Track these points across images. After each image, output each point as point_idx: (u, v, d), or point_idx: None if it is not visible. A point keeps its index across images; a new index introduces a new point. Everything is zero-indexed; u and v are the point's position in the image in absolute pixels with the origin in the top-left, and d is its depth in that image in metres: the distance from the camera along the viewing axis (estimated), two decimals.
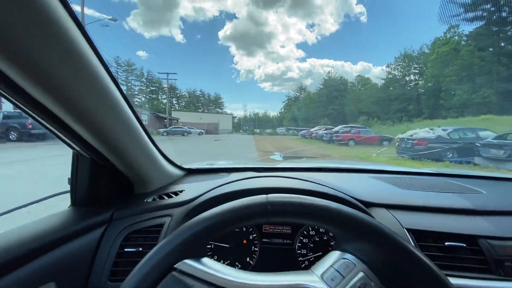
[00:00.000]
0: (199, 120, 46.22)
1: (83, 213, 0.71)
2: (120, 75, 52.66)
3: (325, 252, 0.65)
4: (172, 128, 27.53)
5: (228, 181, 0.89)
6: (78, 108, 0.51)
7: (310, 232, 0.81)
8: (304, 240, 0.80)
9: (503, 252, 0.60)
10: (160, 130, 26.42)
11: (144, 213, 0.75)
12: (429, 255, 0.55)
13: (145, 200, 0.81)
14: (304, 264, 0.77)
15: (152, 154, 0.81)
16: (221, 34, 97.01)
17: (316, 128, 20.18)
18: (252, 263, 0.77)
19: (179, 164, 1.07)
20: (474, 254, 0.61)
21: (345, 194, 0.76)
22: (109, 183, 0.79)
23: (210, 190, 0.83)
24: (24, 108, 0.49)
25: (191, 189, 0.88)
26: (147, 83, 56.87)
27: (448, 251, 0.62)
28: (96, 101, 0.53)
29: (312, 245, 0.79)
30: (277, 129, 40.79)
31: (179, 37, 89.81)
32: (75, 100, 0.49)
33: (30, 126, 10.36)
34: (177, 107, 60.92)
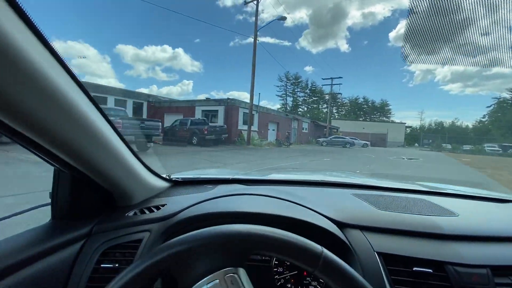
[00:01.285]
0: (362, 130, 41.35)
1: (62, 227, 0.71)
2: (288, 88, 58.65)
3: (300, 270, 0.76)
4: (333, 138, 25.39)
5: (211, 196, 0.88)
6: (47, 131, 0.49)
7: None
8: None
9: (469, 279, 0.59)
10: (320, 139, 25.22)
11: (124, 228, 0.75)
12: (399, 280, 0.59)
13: (126, 214, 0.80)
14: (279, 282, 0.78)
15: (131, 166, 0.78)
16: (392, 35, 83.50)
17: None
18: None
19: (165, 175, 1.05)
20: (441, 281, 0.60)
21: (319, 214, 0.77)
22: (90, 197, 0.78)
23: (192, 205, 0.82)
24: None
25: (173, 203, 0.86)
26: (310, 93, 59.28)
27: (417, 277, 0.61)
28: (68, 123, 0.51)
29: (288, 263, 0.79)
30: (485, 145, 27.87)
31: (344, 47, 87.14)
32: (42, 124, 0.47)
33: (206, 132, 12.74)
34: (337, 116, 58.67)
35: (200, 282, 0.41)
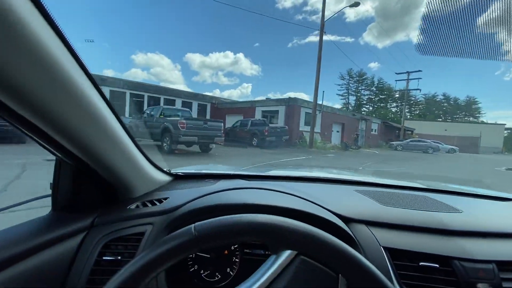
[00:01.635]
0: (443, 132, 34.83)
1: (64, 219, 0.71)
2: (351, 86, 54.10)
3: None
4: (411, 141, 21.57)
5: (214, 190, 0.87)
6: (54, 119, 0.49)
7: None
8: None
9: (475, 274, 0.60)
10: (393, 143, 21.75)
11: (126, 220, 0.74)
12: (405, 274, 0.61)
13: (128, 207, 0.79)
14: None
15: (135, 159, 0.78)
16: (480, 20, 68.36)
17: None
18: (232, 273, 0.77)
19: (166, 169, 1.04)
20: (447, 276, 0.61)
21: (324, 208, 0.76)
22: (92, 189, 0.78)
23: (195, 199, 0.81)
24: (3, 116, 0.48)
25: (175, 197, 0.85)
26: (377, 91, 53.42)
27: (423, 271, 0.63)
28: (75, 111, 0.51)
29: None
30: None
31: (417, 38, 75.74)
32: (50, 112, 0.47)
33: (266, 133, 12.13)
34: (408, 116, 51.21)
35: None
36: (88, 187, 0.75)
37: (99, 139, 0.60)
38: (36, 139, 0.55)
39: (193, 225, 0.43)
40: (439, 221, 0.72)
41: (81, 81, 0.49)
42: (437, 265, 0.61)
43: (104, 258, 0.66)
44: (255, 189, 0.89)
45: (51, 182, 0.73)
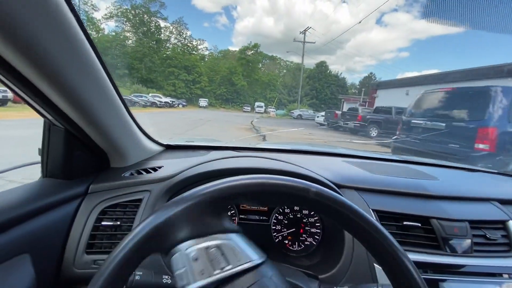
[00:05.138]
0: None
1: (57, 185, 0.69)
2: None
3: (298, 228, 0.84)
4: None
5: (208, 159, 0.88)
6: (55, 74, 0.48)
7: (285, 210, 0.88)
8: (279, 217, 0.88)
9: (451, 231, 0.68)
10: None
11: (122, 188, 0.74)
12: (391, 233, 0.66)
13: (122, 175, 0.79)
14: (277, 239, 0.85)
15: (130, 127, 0.78)
16: None
17: None
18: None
19: (157, 139, 1.05)
20: (427, 233, 0.70)
21: (318, 175, 0.79)
22: (84, 156, 0.76)
23: (191, 167, 0.81)
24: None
25: (170, 166, 0.86)
26: None
27: (406, 230, 0.70)
28: (76, 69, 0.51)
29: (286, 222, 0.86)
30: None
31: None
32: (53, 66, 0.47)
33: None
34: None
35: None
36: (79, 154, 0.73)
37: (97, 101, 0.59)
38: (29, 97, 0.53)
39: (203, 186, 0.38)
40: (421, 187, 0.81)
41: (86, 47, 0.50)
42: (419, 224, 0.70)
43: (102, 223, 0.67)
44: (250, 157, 0.92)
45: (39, 148, 0.71)
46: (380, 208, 0.72)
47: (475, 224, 0.71)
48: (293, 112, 25.63)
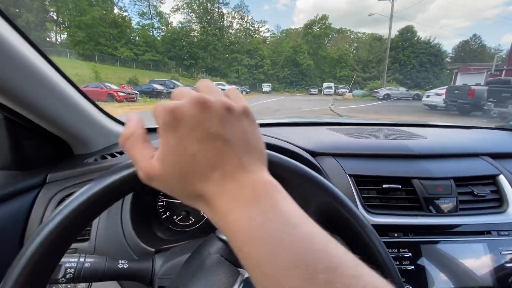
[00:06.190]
0: None
1: (9, 177, 0.67)
2: None
3: None
4: None
5: None
6: None
7: None
8: None
9: (433, 191, 0.65)
10: None
11: (84, 175, 0.72)
12: (369, 197, 0.65)
13: (85, 161, 0.77)
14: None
15: (87, 113, 0.75)
16: None
17: None
18: (205, 216, 0.86)
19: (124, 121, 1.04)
20: (409, 194, 0.66)
21: (292, 144, 0.78)
22: (38, 145, 0.73)
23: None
24: None
25: None
26: None
27: (385, 193, 0.67)
28: (10, 66, 0.49)
29: None
30: None
31: None
32: None
33: None
34: None
35: None
36: (32, 142, 0.69)
37: (32, 89, 0.56)
38: None
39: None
40: (404, 147, 0.76)
41: (17, 39, 0.49)
42: (399, 186, 0.66)
43: None
44: None
45: None
46: (357, 173, 0.68)
47: (461, 181, 0.68)
48: (377, 92, 21.30)
